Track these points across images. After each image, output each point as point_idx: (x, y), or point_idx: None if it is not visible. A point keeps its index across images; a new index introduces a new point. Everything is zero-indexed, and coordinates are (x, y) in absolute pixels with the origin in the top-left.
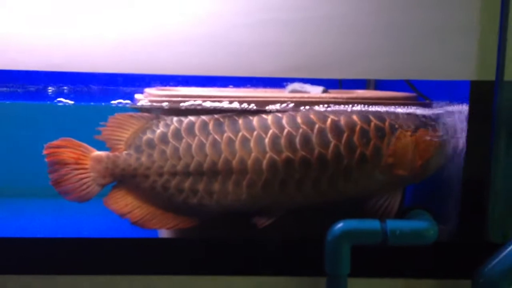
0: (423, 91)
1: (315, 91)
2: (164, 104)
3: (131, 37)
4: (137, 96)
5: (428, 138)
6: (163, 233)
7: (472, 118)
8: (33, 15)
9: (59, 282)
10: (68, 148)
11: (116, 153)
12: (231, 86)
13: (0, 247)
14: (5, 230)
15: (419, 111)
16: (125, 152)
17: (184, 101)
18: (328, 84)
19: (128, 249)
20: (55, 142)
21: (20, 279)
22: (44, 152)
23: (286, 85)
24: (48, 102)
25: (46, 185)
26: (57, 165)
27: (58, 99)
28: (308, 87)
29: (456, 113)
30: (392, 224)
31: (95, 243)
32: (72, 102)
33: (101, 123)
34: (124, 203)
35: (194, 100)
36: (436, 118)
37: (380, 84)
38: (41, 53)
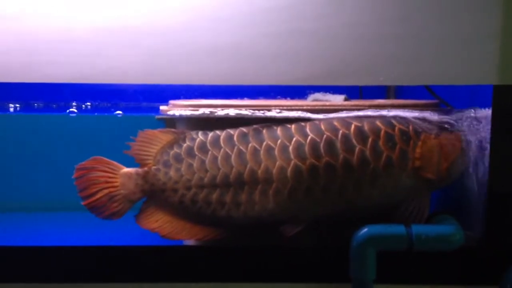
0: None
1: (337, 100)
2: (191, 113)
3: (156, 48)
4: (162, 107)
5: (451, 141)
6: (188, 241)
7: (495, 122)
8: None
9: None
10: (97, 168)
11: (145, 168)
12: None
13: (31, 256)
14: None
15: (441, 116)
16: (154, 167)
17: (210, 110)
18: (349, 94)
19: (152, 256)
20: (85, 163)
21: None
22: (75, 175)
23: (308, 94)
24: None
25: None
26: (88, 186)
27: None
28: (329, 96)
29: (479, 118)
30: (418, 229)
31: (117, 251)
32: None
33: (131, 137)
34: (154, 219)
35: (221, 109)
36: (458, 123)
37: (400, 94)
38: (69, 65)
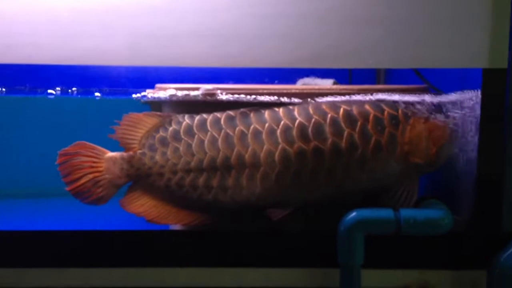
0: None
1: (326, 84)
2: (177, 95)
3: (141, 29)
4: (148, 91)
5: (440, 125)
6: (175, 225)
7: (484, 106)
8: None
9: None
10: (81, 153)
11: (130, 152)
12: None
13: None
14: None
15: (430, 99)
16: (139, 151)
17: (196, 93)
18: (338, 80)
19: (138, 241)
20: (68, 149)
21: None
22: (58, 160)
23: (298, 80)
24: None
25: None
26: (72, 172)
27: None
28: (318, 81)
29: (467, 101)
30: (406, 213)
31: (102, 236)
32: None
33: (116, 121)
34: (140, 203)
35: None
36: (446, 107)
37: (390, 80)
38: (51, 47)
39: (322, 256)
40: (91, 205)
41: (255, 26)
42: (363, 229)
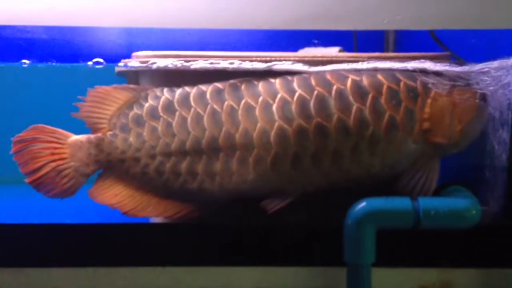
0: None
1: (331, 52)
2: (157, 64)
3: None
4: (123, 61)
5: (466, 99)
6: (156, 218)
7: None
8: None
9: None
10: (39, 139)
11: (99, 134)
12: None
13: None
14: None
15: (454, 68)
16: (110, 133)
17: (180, 61)
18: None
19: (112, 236)
20: (23, 135)
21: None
22: (13, 149)
23: (298, 50)
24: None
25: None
26: (30, 160)
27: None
28: (322, 50)
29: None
30: (426, 203)
31: (71, 231)
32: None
33: (79, 97)
34: (112, 193)
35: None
36: (473, 77)
37: (400, 49)
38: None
39: (325, 253)
40: (56, 198)
41: None
42: (375, 222)
